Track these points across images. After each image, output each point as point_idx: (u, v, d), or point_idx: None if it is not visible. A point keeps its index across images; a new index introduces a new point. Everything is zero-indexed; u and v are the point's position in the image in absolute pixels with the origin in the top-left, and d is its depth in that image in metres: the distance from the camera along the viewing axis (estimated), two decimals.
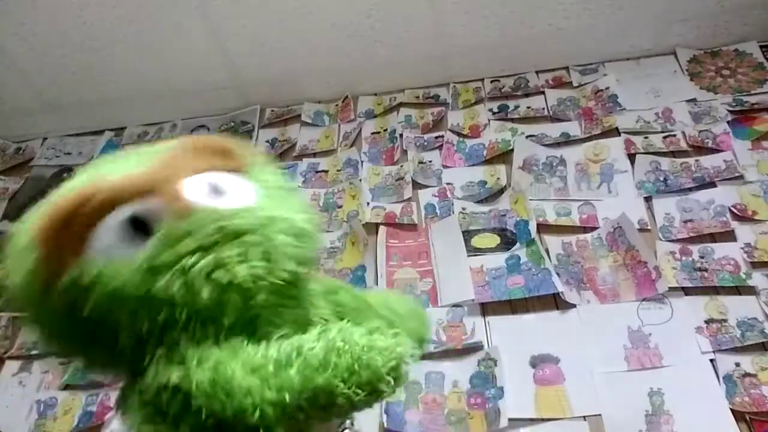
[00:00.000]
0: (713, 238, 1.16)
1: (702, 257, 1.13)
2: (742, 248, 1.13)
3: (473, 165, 1.41)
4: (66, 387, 1.21)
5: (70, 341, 0.54)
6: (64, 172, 1.69)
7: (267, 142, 1.62)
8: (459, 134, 1.49)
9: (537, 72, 1.58)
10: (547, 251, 1.20)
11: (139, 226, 0.49)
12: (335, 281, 0.71)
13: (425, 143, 1.49)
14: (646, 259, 1.13)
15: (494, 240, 1.25)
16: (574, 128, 1.42)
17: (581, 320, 1.09)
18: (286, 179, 0.61)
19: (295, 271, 0.54)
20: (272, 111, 1.69)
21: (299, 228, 0.55)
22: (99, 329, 0.50)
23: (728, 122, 1.33)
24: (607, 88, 1.48)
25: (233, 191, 0.54)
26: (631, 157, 1.32)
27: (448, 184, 1.38)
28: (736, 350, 1.00)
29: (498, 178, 1.37)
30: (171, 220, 0.49)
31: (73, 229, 0.48)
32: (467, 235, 1.27)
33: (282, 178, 0.61)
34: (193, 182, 0.52)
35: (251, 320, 0.53)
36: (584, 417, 0.97)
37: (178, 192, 0.50)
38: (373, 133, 1.56)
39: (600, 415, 0.97)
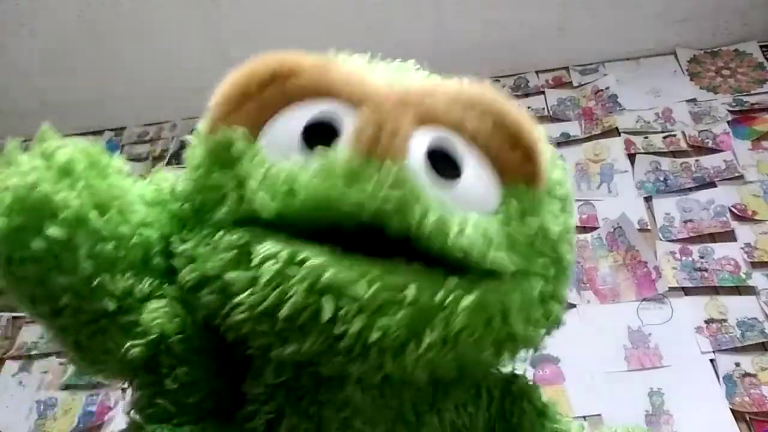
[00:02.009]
0: (713, 238, 1.16)
1: (702, 257, 1.13)
2: (742, 248, 1.13)
3: None
4: (66, 387, 1.21)
5: None
6: None
7: None
8: None
9: (537, 72, 1.58)
10: None
11: (324, 135, 0.37)
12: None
13: None
14: (646, 259, 1.13)
15: None
16: (574, 128, 1.42)
17: (581, 320, 1.09)
18: (569, 251, 0.43)
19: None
20: None
21: (546, 291, 0.41)
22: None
23: (728, 122, 1.33)
24: (607, 88, 1.48)
25: (468, 183, 0.37)
26: (631, 157, 1.32)
27: None
28: (736, 350, 1.00)
29: None
30: (355, 147, 0.35)
31: (263, 95, 0.40)
32: None
33: (561, 242, 0.41)
34: (426, 134, 0.37)
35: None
36: (584, 417, 0.97)
37: (393, 121, 0.36)
38: None
39: (600, 415, 0.97)
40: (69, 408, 1.17)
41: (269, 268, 0.34)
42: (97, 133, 1.76)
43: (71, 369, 1.23)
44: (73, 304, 0.38)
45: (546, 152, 0.40)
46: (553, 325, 0.44)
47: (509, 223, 0.38)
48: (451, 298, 0.35)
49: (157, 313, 0.40)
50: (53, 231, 0.36)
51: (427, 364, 0.36)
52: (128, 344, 0.39)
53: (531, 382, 0.53)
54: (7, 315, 1.36)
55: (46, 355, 1.27)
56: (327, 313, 0.34)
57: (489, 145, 0.38)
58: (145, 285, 0.40)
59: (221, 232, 0.37)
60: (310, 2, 1.47)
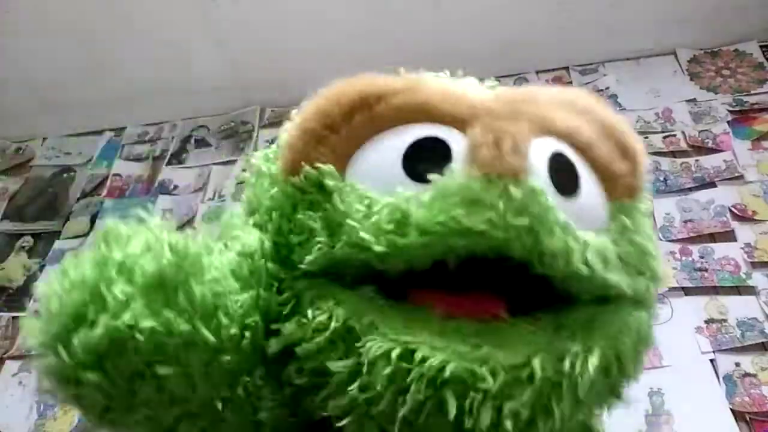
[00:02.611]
0: (713, 238, 1.16)
1: (702, 257, 1.13)
2: (742, 248, 1.13)
3: None
4: None
5: None
6: (64, 172, 1.69)
7: (267, 142, 1.62)
8: None
9: (537, 72, 1.58)
10: None
11: (428, 159, 0.32)
12: None
13: None
14: None
15: None
16: None
17: None
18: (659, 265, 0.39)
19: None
20: (272, 111, 1.69)
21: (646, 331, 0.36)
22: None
23: (728, 122, 1.33)
24: (607, 88, 1.48)
25: (587, 197, 0.34)
26: None
27: None
28: (736, 350, 1.00)
29: None
30: (472, 170, 0.31)
31: (350, 126, 0.35)
32: None
33: (653, 257, 0.38)
34: (545, 145, 0.34)
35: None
36: None
37: (511, 136, 0.31)
38: None
39: (600, 415, 0.97)
40: (69, 408, 1.17)
41: (382, 372, 0.30)
42: (97, 133, 1.76)
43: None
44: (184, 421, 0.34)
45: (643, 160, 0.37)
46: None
47: (619, 243, 0.35)
48: (578, 363, 0.32)
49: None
50: (163, 371, 0.31)
51: None
52: None
53: None
54: (7, 315, 1.36)
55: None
56: (452, 409, 0.30)
57: (598, 156, 0.35)
58: (257, 379, 0.35)
59: (311, 309, 0.33)
60: (310, 2, 1.47)
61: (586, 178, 0.35)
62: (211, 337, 0.31)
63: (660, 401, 0.97)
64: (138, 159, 1.67)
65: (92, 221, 1.52)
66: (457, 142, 0.32)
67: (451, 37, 1.53)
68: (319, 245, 0.33)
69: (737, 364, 0.99)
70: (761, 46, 1.48)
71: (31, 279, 1.43)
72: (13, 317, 1.36)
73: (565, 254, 0.31)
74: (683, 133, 1.34)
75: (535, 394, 0.31)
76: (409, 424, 0.31)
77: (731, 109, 1.36)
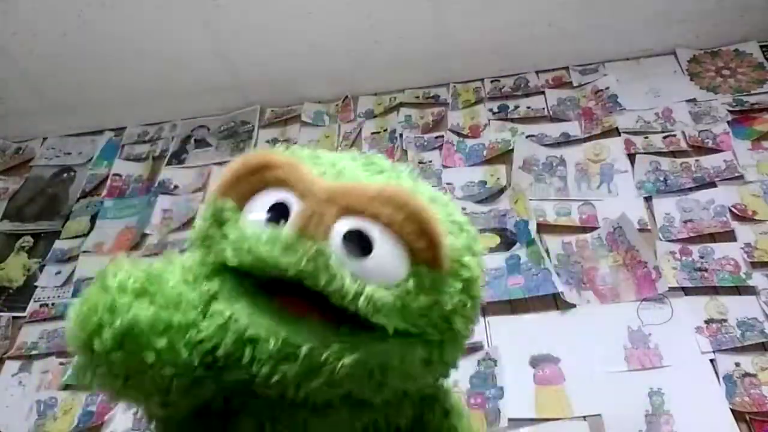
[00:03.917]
0: (713, 238, 1.16)
1: (702, 257, 1.13)
2: (742, 248, 1.13)
3: (473, 165, 1.41)
4: (66, 387, 1.21)
5: None
6: (64, 172, 1.69)
7: (267, 142, 1.62)
8: (459, 134, 1.49)
9: (537, 72, 1.58)
10: (547, 251, 1.20)
11: (281, 211, 0.52)
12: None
13: (425, 143, 1.49)
14: (646, 259, 1.13)
15: (494, 240, 1.25)
16: (574, 128, 1.42)
17: (581, 320, 1.09)
18: (462, 323, 0.55)
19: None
20: (272, 111, 1.69)
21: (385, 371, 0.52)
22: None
23: (728, 122, 1.33)
24: (607, 88, 1.48)
25: (380, 259, 0.50)
26: (631, 157, 1.32)
27: (448, 184, 1.38)
28: (736, 350, 1.00)
29: (498, 178, 1.37)
30: (292, 226, 0.51)
31: (252, 179, 0.55)
32: None
33: (455, 316, 0.54)
34: (347, 222, 0.51)
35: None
36: (584, 417, 0.97)
37: (320, 212, 0.51)
38: (373, 133, 1.56)
39: (600, 415, 0.97)
40: (69, 408, 1.17)
41: (214, 323, 0.51)
42: (97, 133, 1.76)
43: (71, 369, 1.23)
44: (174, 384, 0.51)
45: (447, 245, 0.52)
46: (442, 376, 0.58)
47: (404, 295, 0.50)
48: (333, 357, 0.49)
49: None
50: (160, 343, 0.49)
51: (323, 395, 0.52)
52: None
53: (451, 389, 0.67)
54: (7, 315, 1.36)
55: (46, 355, 1.27)
56: (246, 358, 0.50)
57: (401, 233, 0.50)
58: None
59: (203, 283, 0.54)
60: (311, 2, 1.47)
61: (386, 246, 0.50)
62: (181, 317, 0.51)
63: (660, 401, 0.97)
64: (138, 159, 1.67)
65: (92, 221, 1.52)
66: (295, 206, 0.52)
67: (451, 37, 1.53)
68: (213, 251, 0.55)
69: (737, 364, 0.99)
70: (761, 46, 1.48)
71: (31, 279, 1.43)
72: (13, 317, 1.36)
73: (339, 292, 0.49)
74: (683, 133, 1.34)
75: (302, 366, 0.49)
76: (227, 361, 0.51)
77: (731, 109, 1.36)
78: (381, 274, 0.50)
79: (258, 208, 0.53)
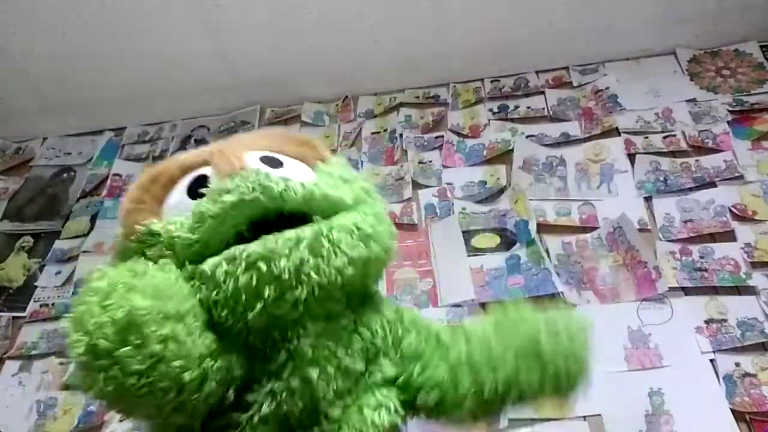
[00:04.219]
0: (713, 238, 1.16)
1: (702, 257, 1.13)
2: (742, 248, 1.13)
3: (473, 165, 1.41)
4: (66, 387, 1.21)
5: None
6: (64, 172, 1.69)
7: None
8: (459, 134, 1.49)
9: (537, 72, 1.58)
10: (547, 251, 1.20)
11: (199, 187, 0.56)
12: (420, 320, 0.68)
13: (425, 143, 1.49)
14: (646, 259, 1.13)
15: (494, 240, 1.25)
16: (574, 128, 1.42)
17: None
18: (369, 185, 0.63)
19: (343, 272, 0.55)
20: (272, 111, 1.69)
21: (362, 229, 0.57)
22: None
23: (728, 122, 1.33)
24: (607, 88, 1.48)
25: (291, 167, 0.58)
26: (631, 157, 1.32)
27: (448, 184, 1.38)
28: (736, 350, 1.00)
29: (498, 178, 1.37)
30: (218, 177, 0.55)
31: (152, 193, 0.58)
32: (467, 235, 1.27)
33: (362, 181, 0.63)
34: (254, 155, 0.58)
35: (277, 319, 0.55)
36: (584, 417, 0.97)
37: (231, 160, 0.56)
38: (373, 133, 1.56)
39: (600, 415, 0.97)
40: (69, 408, 1.17)
41: (221, 271, 0.53)
42: (97, 133, 1.76)
43: (71, 369, 1.23)
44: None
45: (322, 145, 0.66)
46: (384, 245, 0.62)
47: (322, 180, 0.59)
48: (326, 232, 0.56)
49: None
50: (165, 330, 0.50)
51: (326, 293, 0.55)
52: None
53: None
54: (7, 315, 1.36)
55: (46, 355, 1.27)
56: (264, 268, 0.52)
57: (289, 150, 0.61)
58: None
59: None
60: (310, 2, 1.47)
61: (287, 161, 0.60)
62: (177, 305, 0.52)
63: (660, 401, 0.97)
64: (138, 159, 1.67)
65: (92, 221, 1.52)
66: (209, 171, 0.57)
67: (451, 37, 1.53)
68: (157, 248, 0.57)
69: (737, 364, 0.99)
70: (761, 46, 1.48)
71: (31, 279, 1.43)
72: (13, 317, 1.36)
73: (292, 191, 0.55)
74: (683, 133, 1.34)
75: (306, 252, 0.54)
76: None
77: (731, 109, 1.36)
78: (299, 174, 0.59)
79: (176, 194, 0.58)
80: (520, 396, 0.61)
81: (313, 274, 0.53)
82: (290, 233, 0.53)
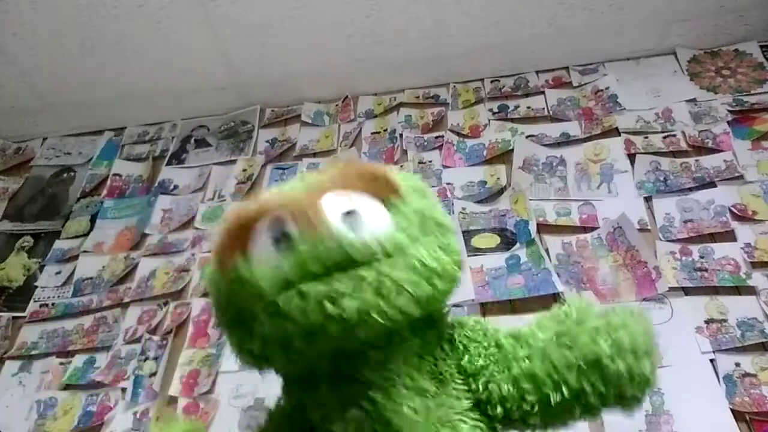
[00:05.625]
0: (713, 238, 1.16)
1: (702, 257, 1.13)
2: (742, 248, 1.13)
3: (473, 165, 1.41)
4: (66, 387, 1.21)
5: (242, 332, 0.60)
6: (64, 172, 1.69)
7: (267, 142, 1.62)
8: (459, 134, 1.49)
9: (537, 72, 1.58)
10: (547, 251, 1.20)
11: (283, 237, 0.56)
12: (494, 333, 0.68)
13: (425, 143, 1.49)
14: (646, 259, 1.13)
15: (494, 240, 1.25)
16: (574, 128, 1.42)
17: None
18: (441, 214, 0.63)
19: (406, 311, 0.55)
20: (272, 111, 1.69)
21: (427, 266, 0.57)
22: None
23: (728, 122, 1.33)
24: (607, 88, 1.48)
25: (368, 218, 0.57)
26: (631, 157, 1.32)
27: (448, 184, 1.38)
28: (736, 350, 1.00)
29: (498, 178, 1.37)
30: (301, 239, 0.55)
31: (240, 232, 0.58)
32: (467, 235, 1.27)
33: (433, 212, 0.62)
34: (331, 204, 0.57)
35: (347, 356, 0.58)
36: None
37: (311, 213, 0.55)
38: (373, 133, 1.56)
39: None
40: (69, 408, 1.17)
41: (294, 305, 0.54)
42: (97, 133, 1.76)
43: (71, 369, 1.23)
44: None
45: (394, 174, 0.62)
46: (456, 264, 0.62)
47: (397, 217, 0.58)
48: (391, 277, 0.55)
49: None
50: None
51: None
52: None
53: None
54: (7, 315, 1.37)
55: (46, 355, 1.27)
56: (330, 308, 0.53)
57: (365, 188, 0.59)
58: None
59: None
60: (311, 2, 1.47)
61: (362, 206, 0.57)
62: None
63: (660, 401, 0.97)
64: (138, 159, 1.67)
65: (92, 221, 1.52)
66: (292, 226, 0.56)
67: (451, 37, 1.53)
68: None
69: (737, 364, 0.99)
70: (761, 46, 1.48)
71: (31, 279, 1.44)
72: (13, 317, 1.36)
73: (366, 252, 0.54)
74: (683, 133, 1.34)
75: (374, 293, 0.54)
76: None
77: (731, 109, 1.36)
78: (374, 220, 0.58)
79: (262, 241, 0.57)
80: (587, 410, 0.61)
81: (375, 315, 0.54)
82: (355, 273, 0.54)
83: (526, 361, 0.62)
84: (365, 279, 0.54)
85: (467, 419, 0.61)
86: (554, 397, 0.60)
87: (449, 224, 0.63)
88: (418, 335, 0.62)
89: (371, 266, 0.54)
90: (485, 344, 0.65)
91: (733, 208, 1.18)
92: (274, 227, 0.57)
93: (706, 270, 1.11)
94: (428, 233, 0.60)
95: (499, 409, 0.62)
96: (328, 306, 0.53)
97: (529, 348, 0.63)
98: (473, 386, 0.62)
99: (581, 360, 0.59)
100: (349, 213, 0.56)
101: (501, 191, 1.34)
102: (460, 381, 0.63)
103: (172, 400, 1.14)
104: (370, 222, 0.57)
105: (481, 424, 0.61)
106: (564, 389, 0.59)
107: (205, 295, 1.28)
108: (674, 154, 1.32)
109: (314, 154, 1.55)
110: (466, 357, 0.64)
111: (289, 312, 0.54)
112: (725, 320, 1.04)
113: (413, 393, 0.60)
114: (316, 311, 0.53)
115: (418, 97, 1.61)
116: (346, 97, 1.66)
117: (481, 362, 0.63)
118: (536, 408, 0.61)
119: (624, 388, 0.59)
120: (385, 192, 0.60)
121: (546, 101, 1.51)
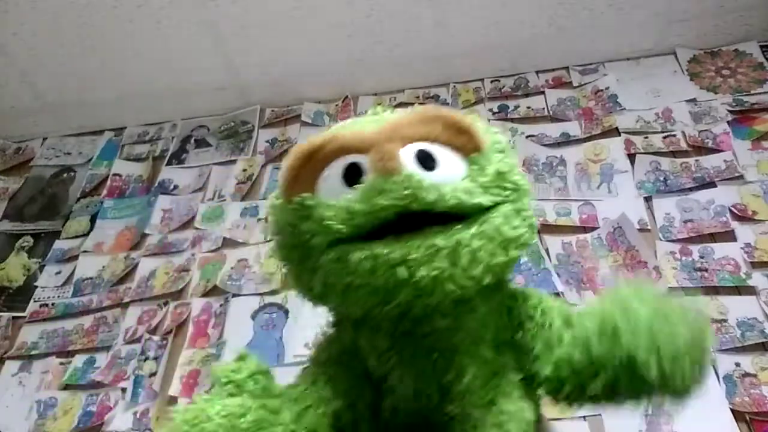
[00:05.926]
0: (713, 238, 1.16)
1: (702, 257, 1.13)
2: (742, 248, 1.13)
3: None
4: (66, 387, 1.21)
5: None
6: (64, 172, 1.69)
7: (267, 142, 1.62)
8: None
9: (537, 72, 1.58)
10: (547, 251, 1.20)
11: (354, 174, 0.56)
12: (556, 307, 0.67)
13: None
14: (646, 259, 1.13)
15: None
16: (574, 128, 1.42)
17: None
18: (520, 176, 0.61)
19: (480, 280, 0.55)
20: (272, 111, 1.69)
21: (504, 234, 0.56)
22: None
23: (728, 122, 1.33)
24: (607, 88, 1.48)
25: (445, 166, 0.57)
26: (631, 157, 1.32)
27: None
28: (736, 350, 1.00)
29: None
30: (374, 175, 0.54)
31: (310, 165, 0.57)
32: None
33: (513, 173, 0.60)
34: (409, 148, 0.56)
35: (412, 316, 0.58)
36: (584, 417, 0.97)
37: (388, 152, 0.54)
38: None
39: (600, 415, 0.97)
40: (69, 408, 1.17)
41: (364, 266, 0.54)
42: (97, 133, 1.76)
43: (71, 369, 1.23)
44: None
45: (480, 128, 0.60)
46: (532, 228, 0.62)
47: (476, 178, 0.57)
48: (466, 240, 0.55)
49: None
50: None
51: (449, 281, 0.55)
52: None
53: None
54: (7, 315, 1.37)
55: (46, 355, 1.27)
56: (403, 274, 0.53)
57: (446, 139, 0.58)
58: None
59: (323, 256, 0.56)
60: (310, 2, 1.47)
61: (442, 153, 0.57)
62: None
63: (660, 401, 0.96)
64: (138, 159, 1.67)
65: (92, 221, 1.52)
66: (364, 162, 0.56)
67: (451, 37, 1.53)
68: (318, 236, 0.57)
69: (737, 364, 0.99)
70: (761, 46, 1.48)
71: (31, 279, 1.44)
72: (13, 317, 1.36)
73: (441, 199, 0.54)
74: (683, 133, 1.34)
75: (445, 257, 0.54)
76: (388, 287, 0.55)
77: (731, 109, 1.36)
78: (451, 176, 0.57)
79: (333, 181, 0.57)
80: (625, 399, 0.62)
81: (449, 285, 0.53)
82: (432, 241, 0.53)
83: (569, 348, 0.62)
84: (441, 247, 0.53)
85: (519, 390, 0.62)
86: (591, 388, 0.60)
87: (526, 186, 0.62)
88: (484, 302, 0.62)
89: (446, 233, 0.53)
90: (540, 322, 0.65)
91: (733, 208, 1.18)
92: (347, 165, 0.56)
93: (706, 270, 1.11)
94: (506, 197, 0.58)
95: (541, 390, 0.64)
96: (401, 271, 0.52)
97: (574, 335, 0.62)
98: (521, 362, 0.64)
99: (617, 360, 0.58)
100: (428, 167, 0.55)
101: None
102: (512, 354, 0.64)
103: (172, 400, 1.14)
104: (450, 178, 0.56)
105: (528, 398, 0.62)
106: (599, 382, 0.59)
107: (205, 294, 1.28)
108: (674, 154, 1.32)
109: None
110: (520, 333, 0.64)
111: (357, 270, 0.53)
112: (725, 320, 1.04)
113: (474, 359, 0.60)
114: (387, 275, 0.53)
115: (418, 97, 1.61)
116: (346, 97, 1.66)
117: (530, 341, 0.64)
118: (574, 394, 0.62)
119: (659, 389, 0.59)
120: (468, 148, 0.58)
121: (546, 101, 1.51)
